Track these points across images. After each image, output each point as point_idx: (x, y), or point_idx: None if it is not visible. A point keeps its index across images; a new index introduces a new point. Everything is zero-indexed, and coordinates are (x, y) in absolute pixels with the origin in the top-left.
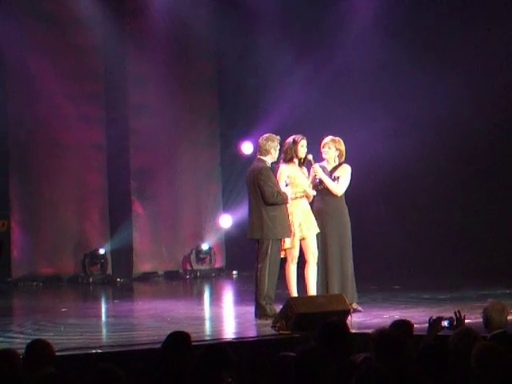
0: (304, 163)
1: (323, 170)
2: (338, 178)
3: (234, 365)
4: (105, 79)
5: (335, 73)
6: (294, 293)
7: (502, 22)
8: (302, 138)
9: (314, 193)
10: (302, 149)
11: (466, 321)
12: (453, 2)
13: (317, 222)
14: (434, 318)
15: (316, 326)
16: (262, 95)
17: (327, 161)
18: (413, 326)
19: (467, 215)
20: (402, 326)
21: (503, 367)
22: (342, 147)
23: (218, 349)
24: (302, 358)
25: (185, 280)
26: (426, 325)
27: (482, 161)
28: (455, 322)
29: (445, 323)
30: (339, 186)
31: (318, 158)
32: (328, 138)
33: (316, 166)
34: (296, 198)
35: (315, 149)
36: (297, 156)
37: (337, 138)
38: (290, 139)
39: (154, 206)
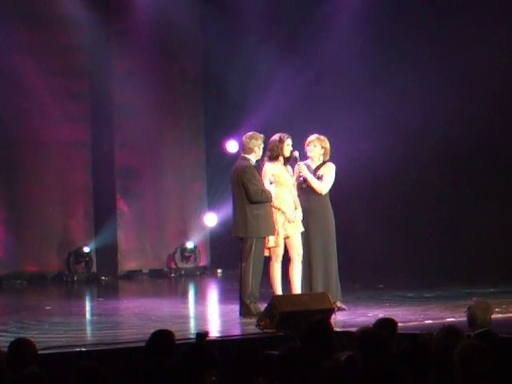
0: (289, 161)
1: (307, 168)
2: (322, 176)
3: (218, 363)
4: (90, 77)
5: (318, 73)
6: (279, 291)
7: (489, 22)
8: (288, 137)
9: (292, 218)
10: (288, 147)
11: (450, 319)
12: (437, 2)
13: (301, 220)
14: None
15: (300, 325)
16: (246, 94)
17: (312, 159)
18: (396, 324)
19: (452, 214)
20: (386, 324)
21: (486, 366)
22: (327, 145)
23: (202, 347)
24: (284, 357)
25: (169, 278)
26: (410, 323)
27: (467, 159)
28: None
29: None
30: (323, 184)
31: (303, 156)
32: (313, 136)
33: (301, 163)
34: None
35: (299, 147)
36: (282, 154)
37: (322, 137)
38: (276, 137)
39: (138, 204)
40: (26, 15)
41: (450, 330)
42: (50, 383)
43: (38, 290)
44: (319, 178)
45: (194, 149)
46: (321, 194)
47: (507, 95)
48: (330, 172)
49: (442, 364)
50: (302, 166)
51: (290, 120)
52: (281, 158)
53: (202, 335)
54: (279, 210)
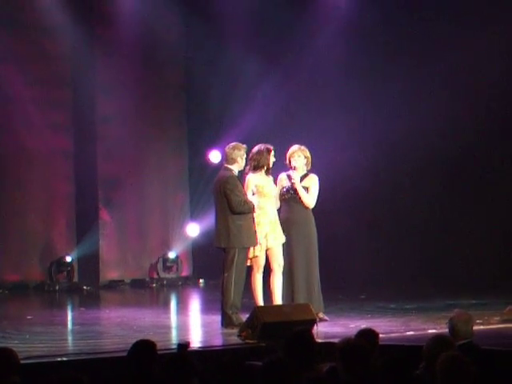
0: (270, 172)
1: (289, 180)
2: (307, 188)
3: (199, 373)
4: (73, 86)
5: (300, 84)
6: (260, 302)
7: (474, 30)
8: (272, 148)
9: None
10: (272, 158)
11: (431, 331)
12: (424, 7)
13: (283, 231)
14: None
15: (282, 336)
16: (229, 104)
17: (296, 169)
18: (378, 335)
19: (435, 226)
20: (368, 335)
21: (468, 377)
22: (309, 154)
23: (183, 357)
24: (267, 369)
25: (151, 288)
26: (392, 334)
27: (450, 171)
28: None
29: None
30: (311, 197)
31: (283, 166)
32: (295, 147)
33: (295, 175)
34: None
35: (281, 158)
36: (268, 165)
37: (302, 147)
38: (263, 148)
39: (121, 214)
40: (9, 24)
41: (440, 340)
42: None
43: (19, 300)
44: (304, 189)
45: (176, 159)
46: (304, 205)
47: (494, 100)
48: (315, 184)
49: (432, 372)
50: (296, 178)
51: (273, 131)
52: (264, 169)
53: (183, 346)
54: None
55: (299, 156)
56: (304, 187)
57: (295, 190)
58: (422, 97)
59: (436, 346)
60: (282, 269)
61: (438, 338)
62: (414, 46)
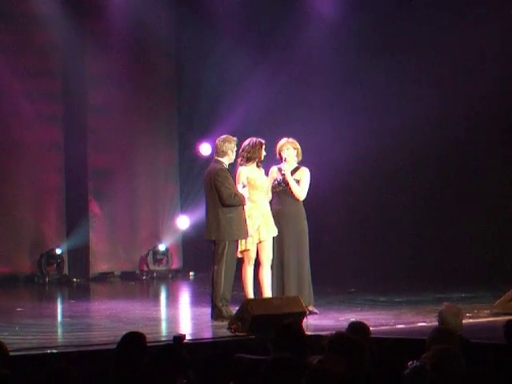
0: (261, 165)
1: (280, 172)
2: (299, 181)
3: (189, 366)
4: (63, 78)
5: (292, 77)
6: (250, 294)
7: (471, 23)
8: (264, 142)
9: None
10: (264, 151)
11: (421, 324)
12: (411, 8)
13: (275, 223)
14: None
15: (272, 328)
16: (220, 97)
17: (287, 161)
18: (369, 328)
19: (425, 218)
20: (358, 328)
21: (458, 370)
22: (298, 146)
23: (172, 349)
24: (273, 366)
25: (141, 281)
26: (382, 327)
27: (442, 166)
28: None
29: None
30: (302, 189)
31: (273, 160)
32: (284, 140)
33: (285, 167)
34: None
35: (271, 151)
36: (260, 157)
37: (290, 139)
38: (255, 141)
39: (111, 206)
40: None
41: (442, 331)
42: None
43: (9, 292)
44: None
45: (167, 151)
46: (298, 199)
47: (484, 99)
48: (306, 177)
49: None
50: (287, 170)
51: (264, 123)
52: (256, 162)
53: (178, 338)
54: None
55: (288, 148)
56: (295, 180)
57: (287, 183)
58: (413, 94)
59: (439, 338)
60: (270, 262)
61: (441, 329)
62: (404, 43)
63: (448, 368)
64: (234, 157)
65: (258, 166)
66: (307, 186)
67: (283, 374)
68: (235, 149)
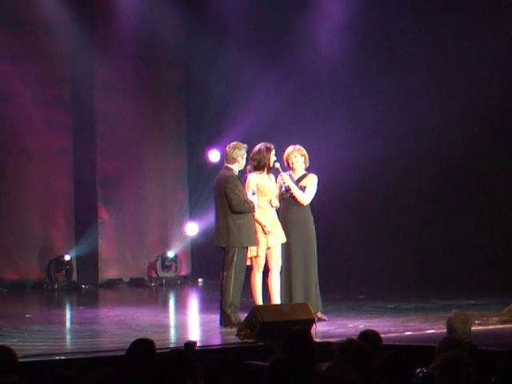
0: (271, 171)
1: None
2: (305, 187)
3: (197, 372)
4: (72, 85)
5: (300, 82)
6: (259, 301)
7: (471, 25)
8: (273, 147)
9: (269, 230)
10: (273, 157)
11: (430, 331)
12: (420, 9)
13: (282, 230)
14: None
15: (280, 335)
16: (229, 103)
17: (294, 169)
18: (380, 337)
19: (433, 225)
20: (371, 336)
21: (467, 378)
22: (305, 152)
23: (181, 355)
24: (273, 368)
25: (150, 287)
26: (391, 334)
27: (449, 170)
28: None
29: None
30: (306, 195)
31: (282, 167)
32: (291, 148)
33: (284, 174)
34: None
35: (280, 157)
36: (269, 164)
37: (297, 146)
38: (263, 147)
39: (120, 212)
40: (8, 22)
41: (452, 340)
42: None
43: (18, 298)
44: (301, 188)
45: (175, 158)
46: (302, 205)
47: (487, 108)
48: (312, 183)
49: None
50: (285, 177)
51: (273, 129)
52: (265, 168)
53: (190, 345)
54: (257, 222)
55: (295, 156)
56: (302, 186)
57: (287, 190)
58: (420, 97)
59: (448, 346)
60: (279, 268)
61: (450, 338)
62: (412, 49)
63: (457, 376)
64: (244, 163)
65: (268, 172)
66: (312, 193)
67: (283, 375)
68: (245, 155)
